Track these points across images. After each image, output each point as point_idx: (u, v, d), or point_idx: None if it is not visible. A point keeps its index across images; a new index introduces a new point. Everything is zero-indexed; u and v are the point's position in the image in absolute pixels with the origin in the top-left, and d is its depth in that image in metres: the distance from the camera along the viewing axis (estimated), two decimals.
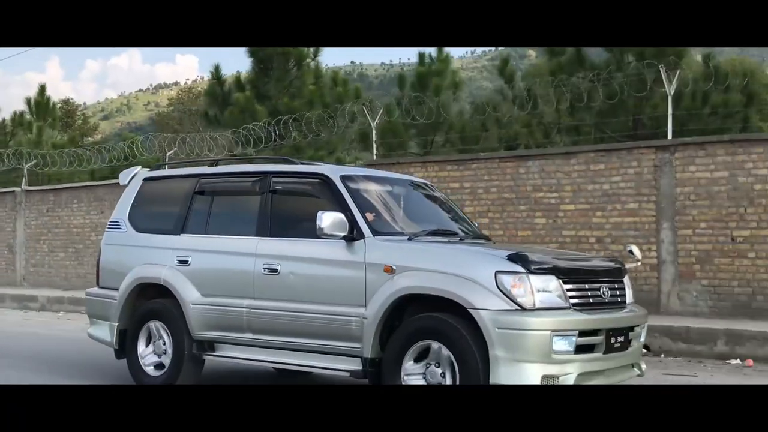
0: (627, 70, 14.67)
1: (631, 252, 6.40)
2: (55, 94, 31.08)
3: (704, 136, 12.01)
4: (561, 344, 5.45)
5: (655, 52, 14.64)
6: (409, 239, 6.30)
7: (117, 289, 7.57)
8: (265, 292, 6.62)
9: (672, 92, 11.80)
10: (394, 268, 5.93)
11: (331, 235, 6.14)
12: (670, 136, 11.54)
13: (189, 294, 7.05)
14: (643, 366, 6.33)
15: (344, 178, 6.56)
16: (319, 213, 6.13)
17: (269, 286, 6.60)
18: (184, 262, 7.16)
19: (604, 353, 5.75)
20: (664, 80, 11.89)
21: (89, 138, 39.50)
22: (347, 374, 6.14)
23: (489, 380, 5.43)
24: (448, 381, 5.62)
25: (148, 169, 8.13)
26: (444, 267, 5.75)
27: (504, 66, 18.74)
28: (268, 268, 6.61)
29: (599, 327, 5.71)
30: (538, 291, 5.51)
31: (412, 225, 6.63)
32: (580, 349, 5.56)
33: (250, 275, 6.71)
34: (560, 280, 5.64)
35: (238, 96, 18.96)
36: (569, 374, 5.49)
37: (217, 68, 20.05)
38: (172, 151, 16.69)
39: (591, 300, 5.83)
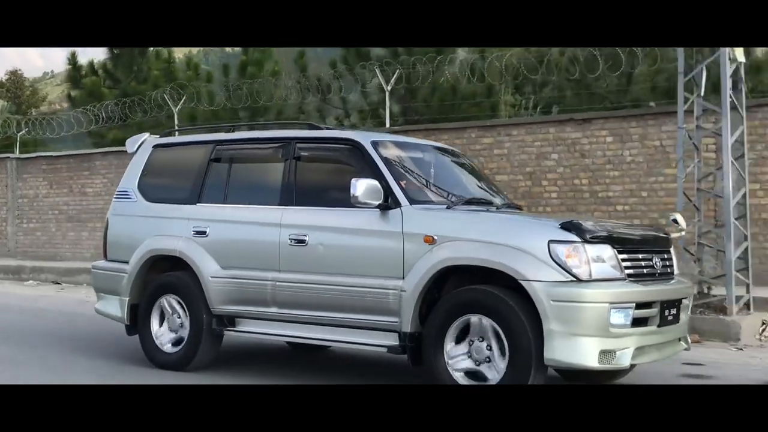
0: None
1: (675, 221, 6.11)
2: None
3: None
4: (618, 317, 5.17)
5: None
6: (447, 208, 5.98)
7: (127, 262, 7.18)
8: (292, 264, 6.27)
9: None
10: (435, 238, 5.61)
11: (366, 204, 5.80)
12: None
13: (207, 266, 6.68)
14: (690, 339, 6.09)
15: (375, 144, 6.22)
16: (353, 180, 5.78)
17: (296, 258, 6.25)
18: (201, 233, 6.79)
19: (659, 326, 5.49)
20: None
21: None
22: (384, 350, 5.83)
23: (543, 355, 5.15)
24: (496, 355, 5.33)
25: (157, 136, 7.71)
26: (491, 237, 5.44)
27: None
28: (294, 239, 6.26)
29: (654, 299, 5.44)
30: (594, 261, 5.22)
31: (446, 193, 6.30)
32: (636, 322, 5.29)
33: (274, 246, 6.36)
34: (615, 250, 5.35)
35: (86, 81, 21.19)
36: (626, 349, 5.23)
37: (73, 54, 21.73)
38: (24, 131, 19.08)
39: (645, 270, 5.55)
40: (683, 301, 5.84)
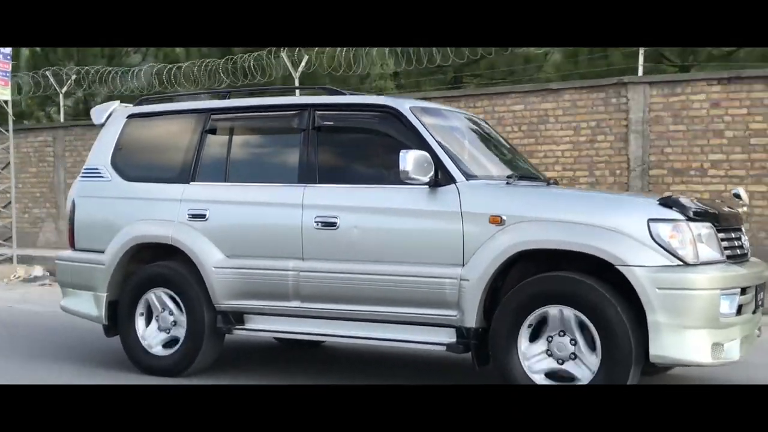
0: None
1: (737, 196, 5.56)
2: None
3: None
4: (726, 305, 4.57)
5: None
6: (507, 183, 5.23)
7: (103, 252, 6.13)
8: (320, 251, 5.40)
9: None
10: (504, 218, 4.86)
11: (415, 180, 4.99)
12: None
13: (209, 255, 5.72)
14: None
15: (415, 111, 5.40)
16: (403, 153, 4.96)
17: (325, 244, 5.38)
18: (199, 217, 5.81)
19: (753, 313, 4.92)
20: None
21: None
22: (442, 348, 5.05)
23: (649, 351, 4.49)
24: (583, 351, 4.64)
25: (127, 105, 6.64)
26: (577, 216, 4.72)
27: None
28: (322, 222, 5.38)
29: (752, 283, 4.87)
30: (698, 241, 4.59)
31: (494, 167, 5.57)
32: (738, 310, 4.70)
33: (296, 231, 5.47)
34: (714, 228, 4.74)
35: None
36: (734, 340, 4.64)
37: None
38: None
39: (738, 252, 4.97)
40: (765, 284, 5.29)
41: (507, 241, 4.80)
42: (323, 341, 6.80)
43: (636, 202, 4.88)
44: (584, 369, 4.65)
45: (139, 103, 6.55)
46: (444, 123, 5.56)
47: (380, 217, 5.25)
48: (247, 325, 5.72)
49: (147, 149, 6.33)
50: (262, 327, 5.68)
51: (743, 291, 4.75)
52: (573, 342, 4.67)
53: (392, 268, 5.15)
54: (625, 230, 4.56)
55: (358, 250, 5.27)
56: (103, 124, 6.51)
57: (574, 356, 4.68)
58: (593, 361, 4.61)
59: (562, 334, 4.70)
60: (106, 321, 6.13)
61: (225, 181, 5.86)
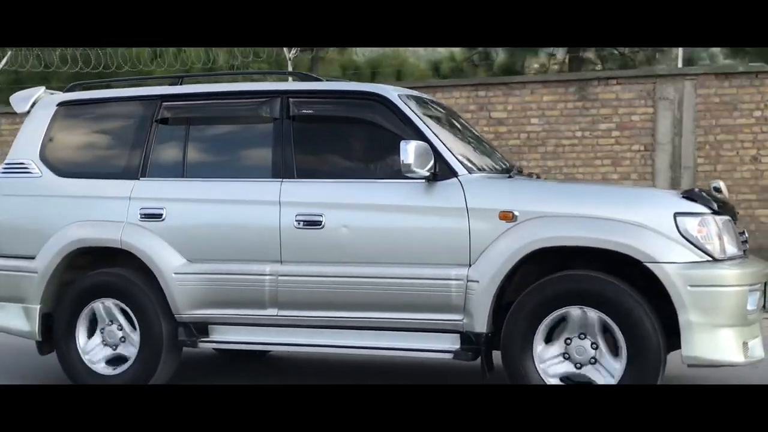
0: None
1: (717, 189, 5.44)
2: None
3: None
4: (752, 301, 4.40)
5: None
6: (509, 177, 4.90)
7: (32, 258, 5.37)
8: (301, 253, 4.88)
9: None
10: (516, 213, 4.51)
11: (416, 174, 4.57)
12: None
13: (168, 260, 5.09)
14: None
15: (404, 99, 4.98)
16: (403, 144, 4.53)
17: (308, 245, 4.87)
18: (153, 217, 5.16)
19: (764, 308, 4.80)
20: None
21: None
22: (449, 356, 4.65)
23: (682, 353, 4.26)
24: (605, 355, 4.36)
25: (51, 92, 5.87)
26: (598, 210, 4.43)
27: None
28: (304, 221, 4.87)
29: (764, 279, 4.73)
30: (724, 236, 4.40)
31: (485, 160, 5.22)
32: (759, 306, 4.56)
33: (273, 231, 4.93)
34: (733, 222, 4.58)
35: None
36: (756, 338, 4.48)
37: None
38: None
39: (747, 246, 4.82)
40: None
41: (522, 239, 4.45)
42: (269, 352, 6.31)
43: (660, 196, 4.65)
44: (605, 375, 4.36)
45: (71, 89, 5.80)
46: (430, 112, 5.17)
47: (373, 215, 4.79)
48: (214, 337, 5.13)
49: (84, 141, 5.61)
50: (232, 338, 5.10)
51: (762, 286, 4.62)
52: (594, 346, 4.38)
53: (388, 270, 4.71)
54: (652, 225, 4.31)
55: (348, 251, 4.80)
56: (27, 113, 5.72)
57: (594, 361, 4.39)
58: (616, 367, 4.33)
59: (582, 336, 4.40)
60: (40, 337, 5.37)
61: (183, 177, 5.24)
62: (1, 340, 6.25)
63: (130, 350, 5.19)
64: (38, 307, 5.33)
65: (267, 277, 4.91)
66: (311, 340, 4.95)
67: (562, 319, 4.43)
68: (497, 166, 5.14)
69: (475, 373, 4.70)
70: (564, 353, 4.44)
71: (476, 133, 5.81)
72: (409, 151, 4.50)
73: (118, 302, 5.21)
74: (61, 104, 5.63)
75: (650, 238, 4.28)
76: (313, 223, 4.84)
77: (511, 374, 4.48)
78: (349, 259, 4.79)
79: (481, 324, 4.52)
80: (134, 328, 5.18)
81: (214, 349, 5.95)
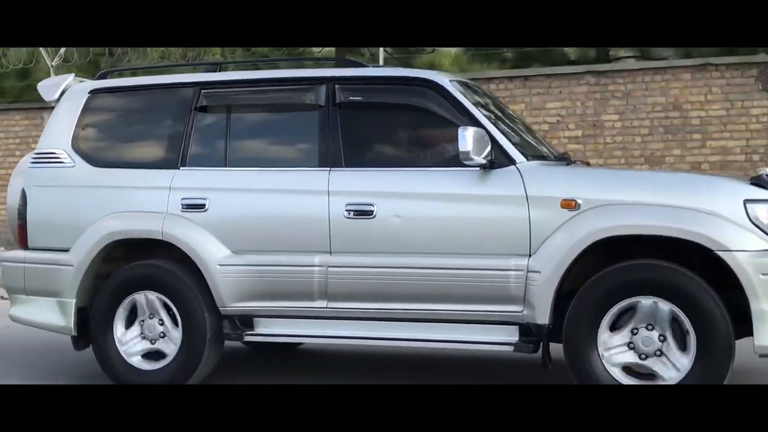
0: None
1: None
2: None
3: None
4: None
5: None
6: (567, 164, 4.80)
7: (66, 251, 5.20)
8: (352, 243, 4.75)
9: None
10: (579, 202, 4.40)
11: (474, 161, 4.45)
12: None
13: (212, 252, 4.94)
14: None
15: (457, 85, 4.85)
16: (461, 130, 4.41)
17: (359, 235, 4.74)
18: (195, 207, 5.01)
19: None
20: None
21: None
22: (509, 348, 4.53)
23: (754, 343, 4.17)
24: (673, 348, 4.26)
25: (81, 79, 5.69)
26: (666, 198, 4.32)
27: None
28: (355, 210, 4.74)
29: None
30: None
31: (539, 147, 5.12)
32: None
33: (322, 221, 4.79)
34: None
35: None
36: None
37: None
38: None
39: None
40: None
41: (587, 227, 4.34)
42: (298, 345, 6.19)
43: (729, 182, 4.55)
44: (670, 369, 4.25)
45: (102, 77, 5.63)
46: (480, 99, 5.05)
47: (427, 204, 4.66)
48: (260, 330, 4.99)
49: (118, 130, 5.45)
50: (279, 331, 4.96)
51: None
52: (662, 338, 4.28)
53: (443, 261, 4.59)
54: (722, 212, 4.22)
55: (401, 241, 4.67)
56: (56, 101, 5.55)
57: (660, 353, 4.29)
58: (683, 361, 4.23)
59: (650, 327, 4.29)
60: (76, 331, 5.20)
61: (225, 166, 5.09)
62: (27, 335, 6.10)
63: (169, 347, 5.03)
64: (74, 301, 5.16)
65: (316, 269, 4.78)
66: (362, 332, 4.82)
67: (630, 308, 4.32)
68: (549, 154, 5.04)
69: (528, 366, 4.60)
70: (629, 343, 4.33)
71: (523, 121, 5.69)
72: (468, 137, 4.38)
73: (160, 296, 5.05)
74: (93, 92, 5.46)
75: (721, 226, 4.19)
76: (364, 213, 4.71)
77: (573, 363, 4.37)
78: (402, 249, 4.67)
79: (543, 315, 4.41)
80: (175, 324, 5.03)
81: (247, 343, 5.81)
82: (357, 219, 4.73)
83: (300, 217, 4.85)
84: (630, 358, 4.34)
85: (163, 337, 5.07)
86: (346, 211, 4.74)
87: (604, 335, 4.34)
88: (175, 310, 5.02)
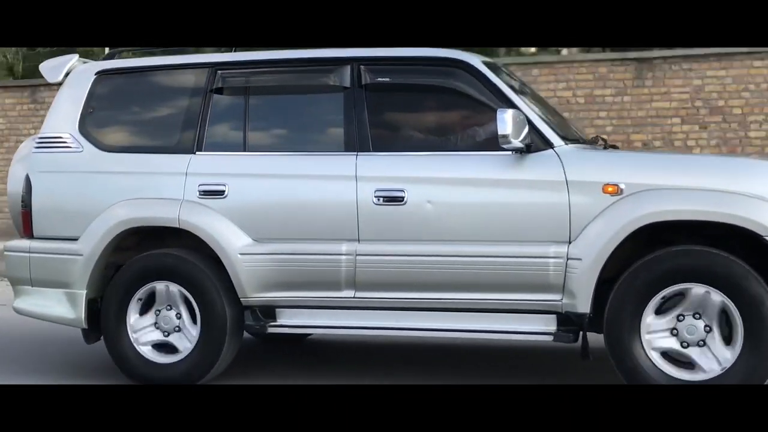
0: None
1: None
2: None
3: None
4: None
5: None
6: (604, 148, 4.65)
7: (75, 240, 4.95)
8: (381, 231, 4.57)
9: None
10: (622, 187, 4.26)
11: (513, 145, 4.29)
12: None
13: (232, 240, 4.74)
14: None
15: (490, 67, 4.68)
16: (500, 113, 4.24)
17: (389, 222, 4.56)
18: (214, 194, 4.80)
19: None
20: None
21: None
22: (548, 338, 4.39)
23: None
24: (716, 339, 4.14)
25: (84, 60, 5.43)
26: (711, 182, 4.19)
27: None
28: (384, 197, 4.55)
29: None
30: None
31: (572, 131, 4.98)
32: None
33: (350, 207, 4.60)
34: None
35: None
36: None
37: None
38: None
39: None
40: None
41: (631, 213, 4.20)
42: (309, 335, 6.01)
43: None
44: (712, 360, 4.13)
45: (109, 57, 5.37)
46: (511, 81, 4.88)
47: (461, 190, 4.49)
48: (283, 321, 4.79)
49: (129, 113, 5.21)
50: (304, 322, 4.77)
51: None
52: (708, 329, 4.15)
53: (479, 248, 4.43)
54: None
55: (434, 228, 4.50)
56: (61, 82, 5.29)
57: (702, 343, 4.17)
58: (726, 355, 4.11)
59: (697, 316, 4.17)
60: (86, 324, 4.97)
61: (244, 151, 4.87)
62: (31, 327, 5.86)
63: (183, 343, 4.82)
64: (84, 292, 4.93)
65: (343, 257, 4.59)
66: (391, 323, 4.65)
67: (679, 294, 4.19)
68: (581, 138, 4.90)
69: (563, 355, 4.46)
70: (673, 329, 4.20)
71: (550, 105, 5.55)
72: (507, 120, 4.21)
73: (180, 288, 4.82)
74: (100, 73, 5.21)
75: None
76: (395, 199, 4.53)
77: (614, 349, 4.22)
78: (435, 237, 4.50)
79: (584, 304, 4.27)
80: (193, 320, 4.82)
81: (269, 334, 5.58)
82: (387, 205, 4.55)
83: (326, 204, 4.66)
84: (671, 344, 4.20)
85: (178, 331, 4.86)
86: (376, 197, 4.56)
87: (648, 318, 4.20)
88: (193, 301, 4.80)
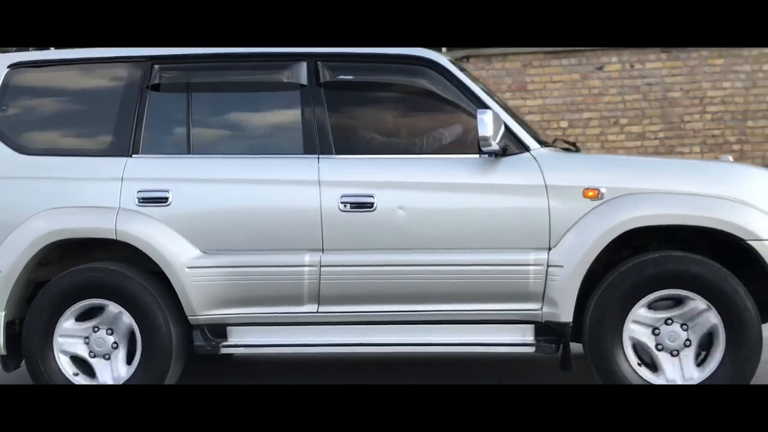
0: None
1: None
2: None
3: None
4: None
5: None
6: (576, 151, 4.52)
7: None
8: (348, 240, 4.24)
9: None
10: (603, 191, 4.13)
11: (491, 148, 4.09)
12: None
13: (178, 252, 4.28)
14: None
15: (457, 66, 4.46)
16: (481, 114, 4.02)
17: (356, 230, 4.24)
18: (156, 200, 4.33)
19: None
20: None
21: None
22: (529, 349, 4.19)
23: None
24: (690, 356, 4.06)
25: None
26: (692, 186, 4.12)
27: None
28: (352, 203, 4.23)
29: None
30: None
31: (539, 133, 4.80)
32: None
33: (312, 215, 4.25)
34: None
35: None
36: None
37: None
38: None
39: None
40: None
41: (614, 217, 4.07)
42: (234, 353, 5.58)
43: (756, 170, 4.41)
44: (676, 374, 4.05)
45: (21, 50, 4.77)
46: (478, 84, 4.67)
47: (434, 195, 4.23)
48: (236, 340, 4.36)
49: (50, 111, 4.64)
50: (259, 341, 4.36)
51: None
52: (688, 343, 4.07)
53: (455, 257, 4.19)
54: (752, 201, 4.07)
55: (406, 236, 4.22)
56: None
57: (676, 353, 4.08)
58: (693, 374, 4.05)
59: (684, 327, 4.06)
60: (5, 350, 4.37)
61: (188, 153, 4.43)
62: None
63: (104, 376, 4.33)
64: (2, 314, 4.34)
65: (306, 269, 4.23)
66: (356, 338, 4.32)
67: (672, 299, 4.09)
68: (549, 141, 4.73)
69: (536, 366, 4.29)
70: (655, 329, 4.08)
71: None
72: (488, 122, 4.00)
73: (115, 304, 4.31)
74: (13, 66, 4.62)
75: (752, 215, 4.04)
76: (364, 205, 4.22)
77: (600, 368, 4.09)
78: (407, 245, 4.22)
79: (566, 313, 4.11)
80: (128, 362, 4.35)
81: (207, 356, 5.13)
82: (355, 212, 4.23)
83: (285, 211, 4.28)
84: (645, 339, 4.08)
85: (106, 359, 4.34)
86: (342, 203, 4.23)
87: (631, 325, 4.07)
88: (133, 322, 4.30)
